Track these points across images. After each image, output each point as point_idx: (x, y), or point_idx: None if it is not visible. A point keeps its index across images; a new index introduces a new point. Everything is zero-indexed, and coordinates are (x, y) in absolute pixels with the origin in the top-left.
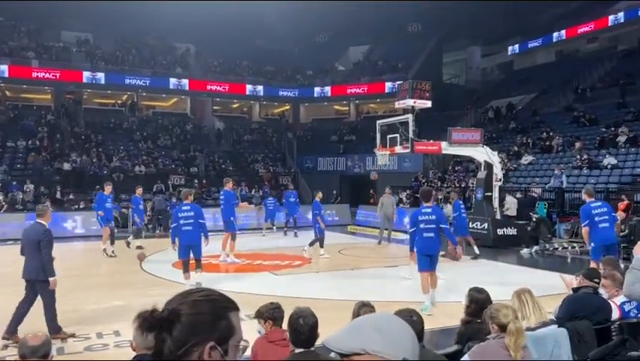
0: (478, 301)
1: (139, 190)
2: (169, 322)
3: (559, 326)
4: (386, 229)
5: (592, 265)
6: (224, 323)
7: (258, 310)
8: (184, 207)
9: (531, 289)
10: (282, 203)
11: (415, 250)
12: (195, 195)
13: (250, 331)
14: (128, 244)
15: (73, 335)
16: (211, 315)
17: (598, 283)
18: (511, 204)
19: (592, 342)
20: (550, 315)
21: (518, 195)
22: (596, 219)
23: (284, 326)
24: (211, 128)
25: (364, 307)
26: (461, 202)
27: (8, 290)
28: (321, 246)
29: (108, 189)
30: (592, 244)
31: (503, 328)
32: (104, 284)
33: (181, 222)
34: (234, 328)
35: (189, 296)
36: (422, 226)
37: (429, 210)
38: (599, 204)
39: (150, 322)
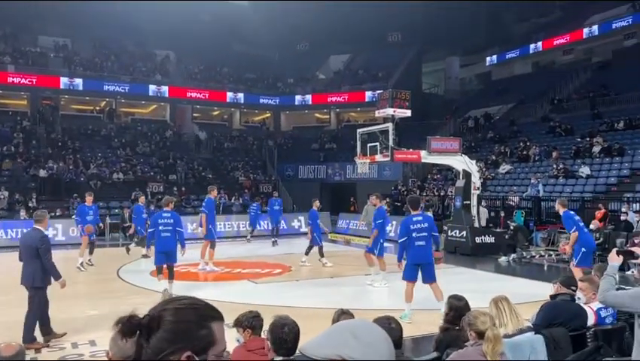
0: (457, 309)
1: (142, 199)
2: (148, 328)
3: (535, 333)
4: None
5: (577, 271)
6: (204, 333)
7: (237, 318)
8: (165, 214)
9: (508, 297)
10: (266, 210)
11: (403, 259)
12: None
13: (229, 340)
14: (128, 250)
15: (47, 345)
16: (191, 323)
17: (575, 291)
18: (481, 214)
19: (568, 348)
20: (527, 322)
21: (497, 203)
22: (581, 224)
23: (264, 334)
24: (191, 136)
25: (343, 315)
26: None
27: None
28: (322, 255)
29: (89, 199)
30: (584, 250)
31: (481, 335)
32: (81, 293)
33: (160, 228)
34: (215, 338)
35: (172, 303)
36: (414, 235)
37: (420, 218)
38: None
39: (128, 327)
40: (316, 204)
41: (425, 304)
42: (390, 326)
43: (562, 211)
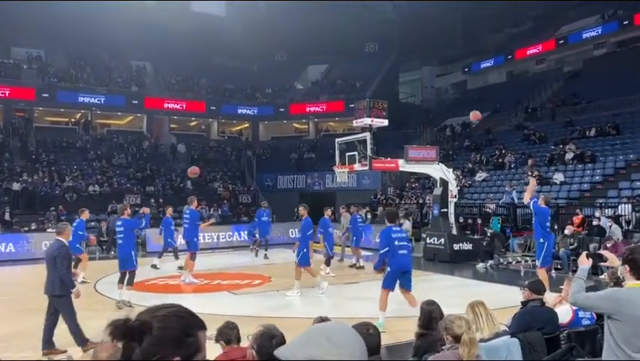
0: (429, 313)
1: (169, 210)
2: (139, 332)
3: (511, 337)
4: (348, 246)
5: (541, 272)
6: (191, 340)
7: (217, 331)
8: (118, 222)
9: (484, 302)
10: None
11: (379, 267)
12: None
13: (211, 352)
14: (155, 266)
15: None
16: (179, 331)
17: (543, 295)
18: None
19: (543, 351)
20: (503, 326)
21: (474, 210)
22: (548, 224)
23: (249, 340)
24: (168, 147)
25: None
26: (358, 216)
27: None
28: (327, 265)
29: (86, 215)
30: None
31: (457, 338)
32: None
33: (117, 236)
34: (201, 346)
35: (159, 311)
36: (396, 243)
37: (398, 228)
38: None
39: (122, 330)
40: (328, 212)
41: (399, 312)
42: (368, 331)
43: (543, 206)
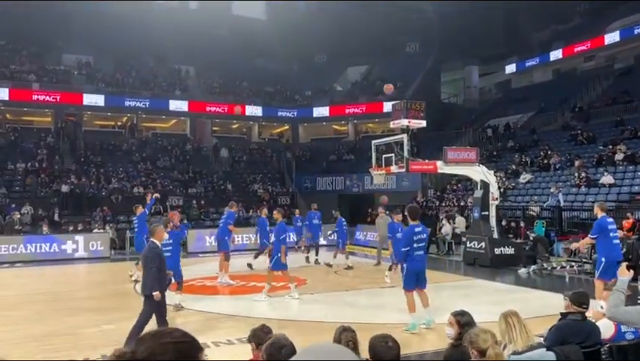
0: (462, 325)
1: (264, 211)
2: None
3: (547, 350)
4: (384, 249)
5: (599, 283)
6: None
7: (250, 332)
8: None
9: (518, 312)
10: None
11: (402, 266)
12: (193, 217)
13: (244, 354)
14: (250, 266)
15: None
16: (181, 356)
17: (586, 308)
18: (460, 223)
19: None
20: (538, 338)
21: (517, 213)
22: (611, 235)
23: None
24: (210, 149)
25: (344, 333)
26: (343, 218)
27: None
28: (390, 270)
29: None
30: (603, 260)
31: (482, 353)
32: (96, 307)
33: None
34: None
35: (160, 339)
36: (414, 245)
37: (420, 228)
38: (612, 220)
39: None
40: (398, 217)
41: (435, 318)
42: (387, 344)
43: (599, 215)
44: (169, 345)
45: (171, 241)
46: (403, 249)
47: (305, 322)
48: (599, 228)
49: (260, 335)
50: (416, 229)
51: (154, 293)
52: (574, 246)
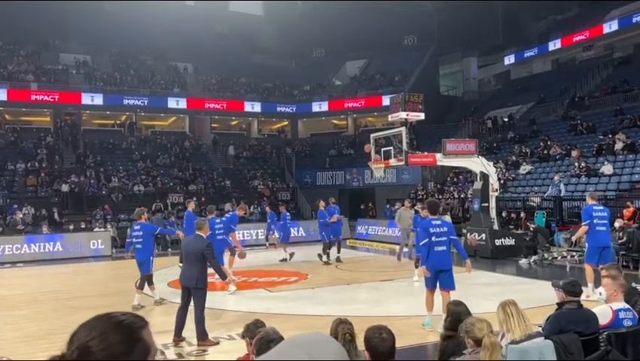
0: (455, 314)
1: (322, 204)
2: None
3: (545, 338)
4: (406, 245)
5: (587, 267)
6: (139, 346)
7: (244, 328)
8: (136, 227)
9: (517, 302)
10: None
11: (425, 265)
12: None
13: (244, 349)
14: (321, 256)
15: (218, 343)
16: (124, 343)
17: (579, 296)
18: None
19: (579, 354)
20: (537, 327)
21: (518, 204)
22: (595, 221)
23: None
24: (209, 147)
25: (341, 325)
26: (287, 213)
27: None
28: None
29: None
30: (586, 245)
31: (478, 342)
32: (97, 306)
33: (133, 240)
34: (149, 346)
35: (95, 329)
36: (433, 239)
37: (439, 222)
38: (601, 208)
39: None
40: (425, 212)
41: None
42: (381, 336)
43: (589, 203)
44: (113, 324)
45: (141, 233)
46: (420, 243)
47: (304, 316)
48: (587, 214)
49: (253, 330)
50: (434, 222)
51: (227, 280)
52: (573, 238)
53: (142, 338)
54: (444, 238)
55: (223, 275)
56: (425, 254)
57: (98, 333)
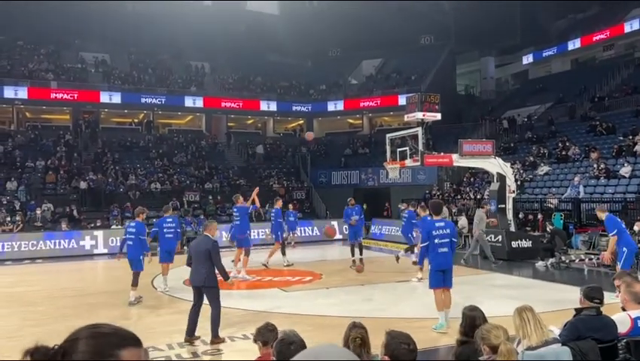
0: (470, 319)
1: (291, 206)
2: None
3: (562, 345)
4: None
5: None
6: None
7: (256, 331)
8: (131, 224)
9: (533, 307)
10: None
11: (423, 264)
12: (210, 212)
13: (256, 350)
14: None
15: (223, 341)
16: (89, 355)
17: (600, 303)
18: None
19: None
20: (553, 333)
21: (535, 205)
22: (623, 226)
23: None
24: (225, 145)
25: (354, 329)
26: (279, 209)
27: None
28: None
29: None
30: (625, 250)
31: (494, 349)
32: (113, 303)
33: (127, 236)
34: None
35: (75, 333)
36: (436, 240)
37: (442, 223)
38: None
39: (36, 358)
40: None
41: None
42: (409, 348)
43: (604, 216)
44: (90, 333)
45: (134, 230)
46: (422, 244)
47: (318, 317)
48: (614, 222)
49: (265, 334)
50: (437, 224)
51: (228, 281)
52: (605, 257)
53: (117, 358)
54: (447, 240)
55: (226, 276)
56: (422, 255)
57: (73, 338)
